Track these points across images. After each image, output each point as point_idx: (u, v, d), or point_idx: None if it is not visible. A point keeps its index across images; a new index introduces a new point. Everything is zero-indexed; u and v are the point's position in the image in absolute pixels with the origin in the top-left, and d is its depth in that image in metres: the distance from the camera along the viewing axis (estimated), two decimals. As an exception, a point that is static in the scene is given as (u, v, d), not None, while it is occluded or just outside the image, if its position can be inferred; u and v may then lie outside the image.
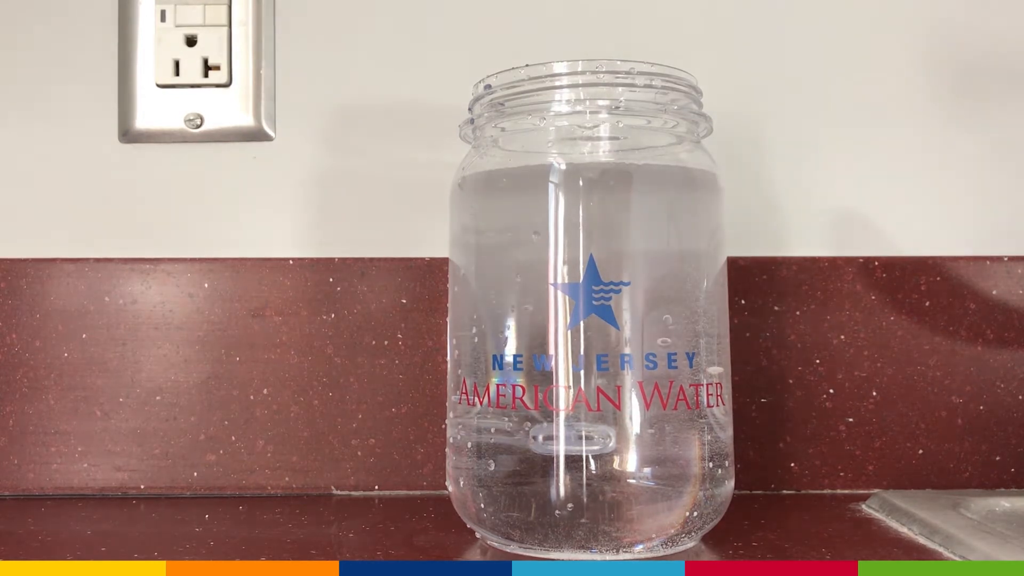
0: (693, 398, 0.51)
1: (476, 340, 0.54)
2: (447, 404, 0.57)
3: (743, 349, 0.67)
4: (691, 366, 0.52)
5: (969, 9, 0.70)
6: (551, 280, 0.51)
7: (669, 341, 0.51)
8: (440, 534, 0.57)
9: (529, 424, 0.51)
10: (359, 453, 0.68)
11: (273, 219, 0.69)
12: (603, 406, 0.50)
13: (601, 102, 0.53)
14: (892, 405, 0.68)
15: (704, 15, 0.70)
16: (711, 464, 0.52)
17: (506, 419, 0.52)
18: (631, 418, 0.51)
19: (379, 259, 0.68)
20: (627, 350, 0.51)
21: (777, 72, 0.70)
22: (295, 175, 0.70)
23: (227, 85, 0.69)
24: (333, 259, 0.68)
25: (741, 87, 0.70)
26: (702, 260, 0.54)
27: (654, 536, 0.51)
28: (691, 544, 0.53)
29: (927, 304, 0.68)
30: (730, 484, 0.54)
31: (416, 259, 0.68)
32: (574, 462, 0.50)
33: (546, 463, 0.51)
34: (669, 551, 0.52)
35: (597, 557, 0.50)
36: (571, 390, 0.51)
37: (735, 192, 0.63)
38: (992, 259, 0.68)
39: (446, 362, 0.61)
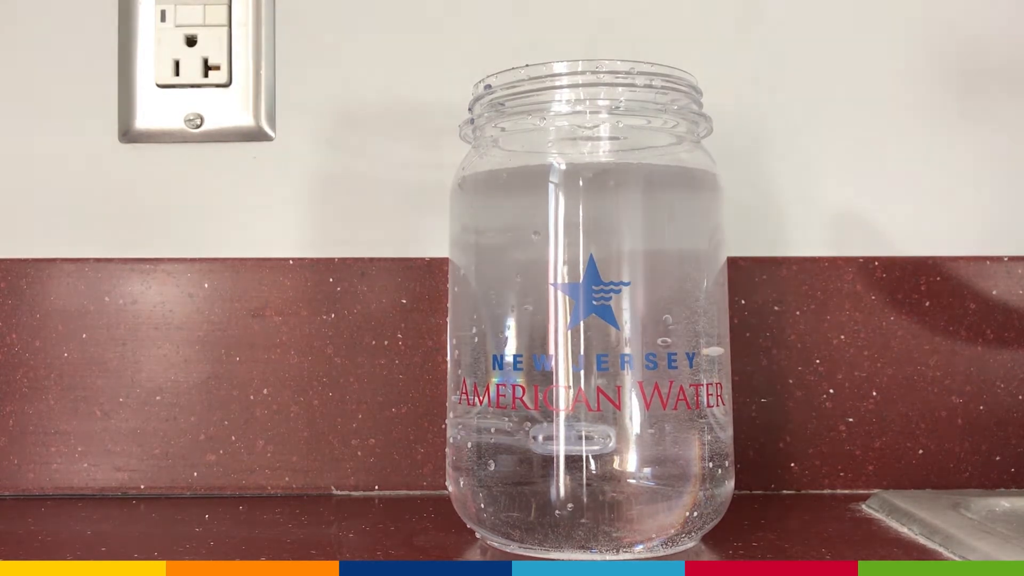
0: (693, 398, 0.51)
1: (476, 340, 0.54)
2: (447, 404, 0.57)
3: (743, 349, 0.67)
4: (691, 366, 0.52)
5: (970, 9, 0.70)
6: (551, 280, 0.51)
7: (669, 341, 0.51)
8: (440, 534, 0.57)
9: (529, 424, 0.51)
10: (359, 453, 0.68)
11: (273, 219, 0.69)
12: (603, 406, 0.50)
13: (601, 102, 0.53)
14: (892, 405, 0.68)
15: (704, 15, 0.70)
16: (711, 464, 0.52)
17: (506, 419, 0.52)
18: (631, 418, 0.51)
19: (379, 259, 0.68)
20: (627, 350, 0.51)
21: (777, 72, 0.70)
22: (295, 175, 0.70)
23: (227, 85, 0.69)
24: (333, 259, 0.68)
25: (741, 87, 0.70)
26: (702, 260, 0.54)
27: (654, 536, 0.51)
28: (691, 544, 0.53)
29: (927, 304, 0.68)
30: (730, 484, 0.54)
31: (416, 259, 0.68)
32: (574, 462, 0.50)
33: (546, 463, 0.51)
34: (669, 551, 0.52)
35: (597, 557, 0.50)
36: (571, 390, 0.51)
37: (735, 192, 0.63)
38: (992, 259, 0.68)
39: (446, 362, 0.61)
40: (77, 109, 0.69)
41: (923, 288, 0.68)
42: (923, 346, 0.68)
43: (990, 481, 0.67)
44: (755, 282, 0.68)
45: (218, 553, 0.53)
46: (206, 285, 0.68)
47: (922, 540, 0.55)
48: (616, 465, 0.51)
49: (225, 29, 0.69)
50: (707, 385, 0.52)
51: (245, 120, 0.69)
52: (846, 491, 0.67)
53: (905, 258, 0.68)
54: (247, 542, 0.56)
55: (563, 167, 0.53)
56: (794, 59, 0.70)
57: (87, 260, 0.68)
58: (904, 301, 0.68)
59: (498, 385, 0.52)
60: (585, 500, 0.50)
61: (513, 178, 0.55)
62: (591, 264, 0.51)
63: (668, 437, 0.51)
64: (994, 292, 0.68)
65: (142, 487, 0.67)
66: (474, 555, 0.53)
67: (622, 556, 0.50)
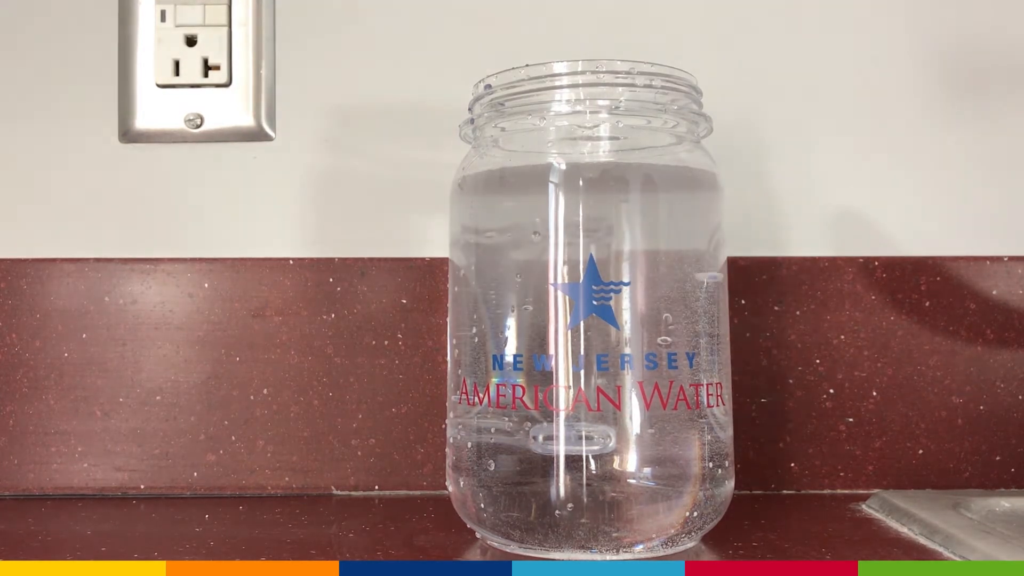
0: (693, 398, 0.51)
1: (476, 340, 0.54)
2: (447, 404, 0.57)
3: (743, 349, 0.67)
4: (691, 366, 0.52)
5: (971, 9, 0.70)
6: (551, 280, 0.51)
7: (669, 340, 0.51)
8: (440, 534, 0.57)
9: (529, 424, 0.51)
10: (359, 453, 0.68)
11: (273, 219, 0.69)
12: (603, 406, 0.50)
13: (601, 102, 0.53)
14: (892, 405, 0.68)
15: (704, 15, 0.70)
16: (711, 464, 0.52)
17: (506, 419, 0.52)
18: (631, 418, 0.51)
19: (379, 259, 0.68)
20: (627, 350, 0.51)
21: (777, 72, 0.70)
22: (295, 175, 0.70)
23: (227, 85, 0.69)
24: (333, 259, 0.68)
25: (741, 87, 0.70)
26: (702, 260, 0.54)
27: (654, 536, 0.51)
28: (691, 544, 0.53)
29: (927, 304, 0.68)
30: (730, 484, 0.54)
31: (416, 259, 0.68)
32: (574, 462, 0.50)
33: (546, 463, 0.51)
34: (669, 551, 0.51)
35: (597, 557, 0.50)
36: (571, 390, 0.51)
37: (735, 192, 0.63)
38: (992, 259, 0.68)
39: (446, 362, 0.61)
40: (77, 109, 0.69)
41: (923, 288, 0.68)
42: (923, 346, 0.68)
43: (990, 481, 0.67)
44: (755, 282, 0.68)
45: (218, 553, 0.53)
46: (206, 285, 0.68)
47: (922, 540, 0.55)
48: (616, 465, 0.51)
49: (225, 29, 0.69)
50: (707, 385, 0.52)
51: (245, 120, 0.69)
52: (846, 491, 0.67)
53: (905, 258, 0.68)
54: (247, 542, 0.56)
55: (563, 167, 0.53)
56: (795, 59, 0.70)
57: (87, 260, 0.68)
58: (904, 301, 0.68)
59: (498, 385, 0.52)
60: (585, 500, 0.50)
61: (513, 178, 0.55)
62: (591, 264, 0.51)
63: (668, 437, 0.51)
64: (994, 292, 0.68)
65: (142, 487, 0.67)
66: (474, 555, 0.53)
67: (622, 556, 0.50)
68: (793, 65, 0.70)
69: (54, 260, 0.68)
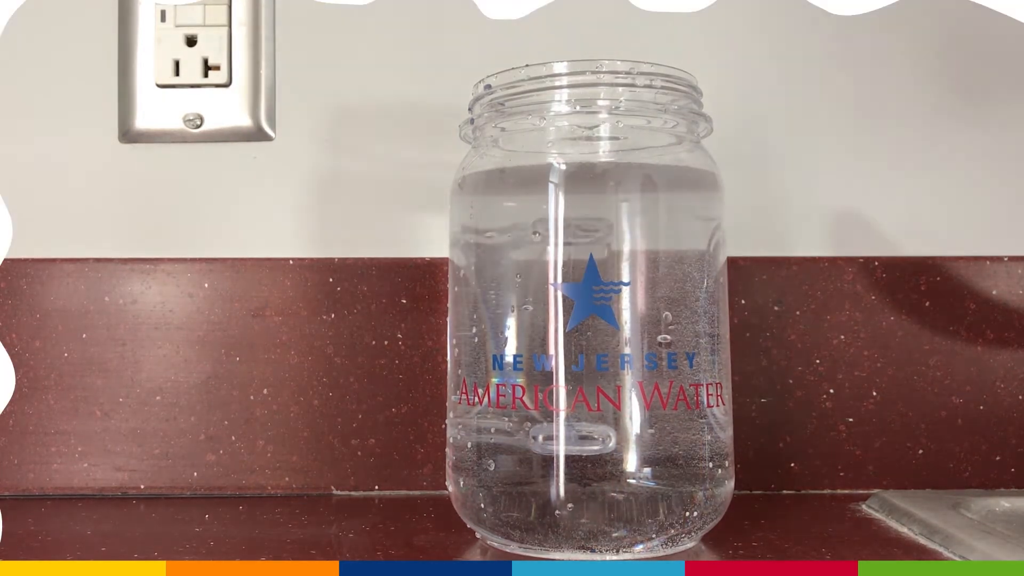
0: (693, 398, 0.51)
1: (476, 340, 0.54)
2: (447, 404, 0.57)
3: (743, 349, 0.67)
4: (691, 366, 0.52)
5: (971, 9, 0.70)
6: (551, 280, 0.51)
7: (669, 340, 0.51)
8: (440, 534, 0.57)
9: (529, 424, 0.51)
10: (359, 453, 0.68)
11: (273, 219, 0.69)
12: (603, 406, 0.50)
13: (601, 102, 0.53)
14: (892, 405, 0.68)
15: (704, 15, 0.70)
16: (711, 464, 0.52)
17: (506, 419, 0.52)
18: (631, 418, 0.51)
19: (379, 259, 0.68)
20: (627, 350, 0.51)
21: (777, 72, 0.70)
22: (295, 175, 0.70)
23: (227, 85, 0.69)
24: (333, 259, 0.68)
25: (741, 87, 0.70)
26: (702, 260, 0.54)
27: (654, 536, 0.51)
28: (691, 544, 0.53)
29: (927, 304, 0.68)
30: (730, 484, 0.54)
31: (416, 259, 0.68)
32: (574, 462, 0.50)
33: (546, 463, 0.51)
34: (669, 551, 0.52)
35: (597, 557, 0.50)
36: (571, 390, 0.51)
37: (735, 192, 0.63)
38: (992, 259, 0.68)
39: (446, 362, 0.61)
40: (77, 109, 0.69)
41: (923, 288, 0.68)
42: (923, 346, 0.68)
43: (990, 481, 0.67)
44: (755, 282, 0.68)
45: (218, 553, 0.53)
46: (206, 285, 0.68)
47: (922, 540, 0.55)
48: (616, 465, 0.51)
49: (225, 29, 0.69)
50: (707, 385, 0.52)
51: (245, 120, 0.69)
52: (846, 491, 0.67)
53: (905, 258, 0.68)
54: (247, 542, 0.56)
55: (563, 167, 0.53)
56: (795, 58, 0.70)
57: (87, 260, 0.68)
58: (904, 301, 0.68)
59: (498, 385, 0.52)
60: (585, 500, 0.50)
61: (513, 178, 0.55)
62: (591, 264, 0.51)
63: (668, 437, 0.51)
64: (994, 292, 0.68)
65: (142, 487, 0.67)
66: (474, 555, 0.53)
67: (622, 556, 0.50)
68: (793, 65, 0.70)
69: (54, 260, 0.68)
